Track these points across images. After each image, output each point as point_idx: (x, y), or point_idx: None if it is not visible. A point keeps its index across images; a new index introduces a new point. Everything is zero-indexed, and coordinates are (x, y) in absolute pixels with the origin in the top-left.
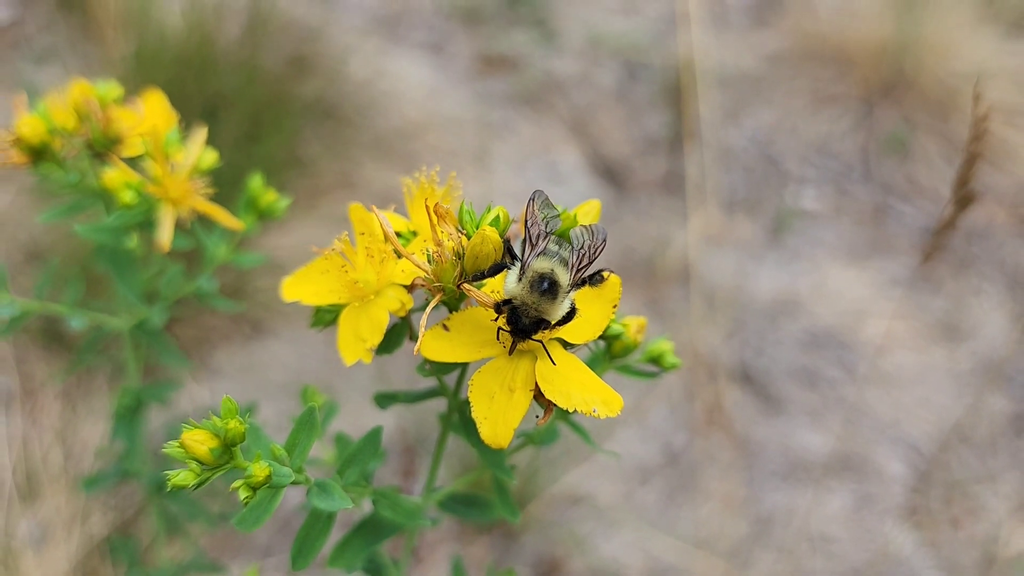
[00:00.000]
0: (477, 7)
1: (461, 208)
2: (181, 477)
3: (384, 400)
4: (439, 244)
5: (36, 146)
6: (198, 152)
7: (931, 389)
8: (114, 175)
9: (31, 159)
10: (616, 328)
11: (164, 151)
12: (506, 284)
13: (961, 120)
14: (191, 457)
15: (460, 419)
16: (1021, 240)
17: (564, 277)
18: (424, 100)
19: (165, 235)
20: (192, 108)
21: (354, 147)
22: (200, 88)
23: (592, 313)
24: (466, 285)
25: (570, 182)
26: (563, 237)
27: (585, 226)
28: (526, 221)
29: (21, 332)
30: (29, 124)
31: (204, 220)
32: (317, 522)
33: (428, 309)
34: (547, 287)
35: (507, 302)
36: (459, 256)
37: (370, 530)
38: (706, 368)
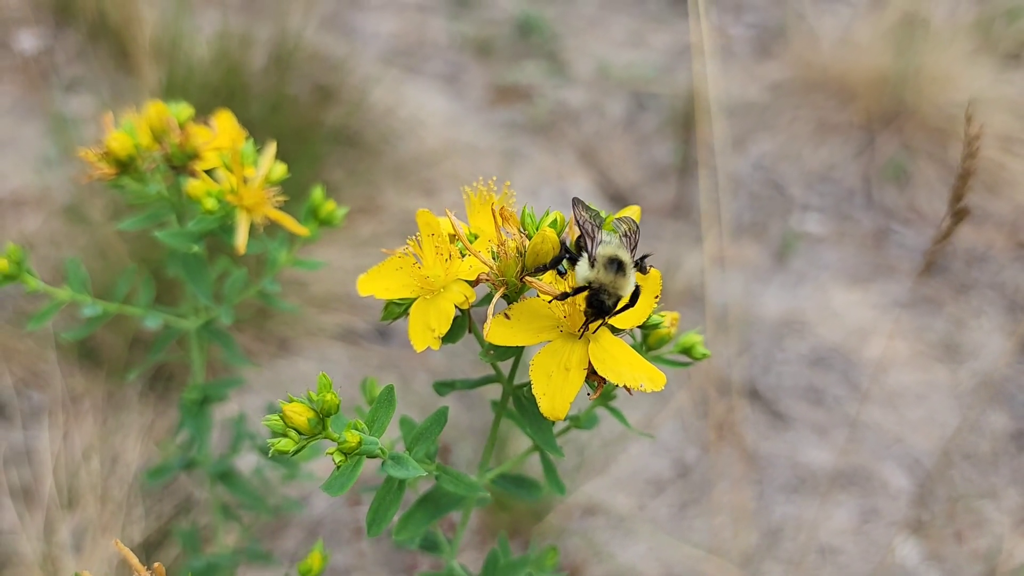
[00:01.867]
0: (489, 40)
1: (523, 211)
2: (283, 443)
3: (443, 388)
4: (502, 243)
5: (123, 159)
6: (269, 164)
7: (934, 406)
8: (197, 185)
9: (117, 171)
10: (656, 318)
11: (240, 163)
12: (579, 272)
13: (960, 148)
14: (291, 427)
15: (516, 403)
16: (1020, 264)
17: (627, 256)
18: (441, 129)
19: (241, 239)
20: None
21: (376, 173)
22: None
23: (640, 301)
24: (529, 278)
25: None
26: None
27: (619, 218)
28: (577, 220)
29: (58, 350)
30: (118, 139)
31: (267, 228)
32: (389, 492)
33: (494, 300)
34: (618, 267)
35: (583, 288)
36: (520, 254)
37: (432, 504)
38: (716, 386)
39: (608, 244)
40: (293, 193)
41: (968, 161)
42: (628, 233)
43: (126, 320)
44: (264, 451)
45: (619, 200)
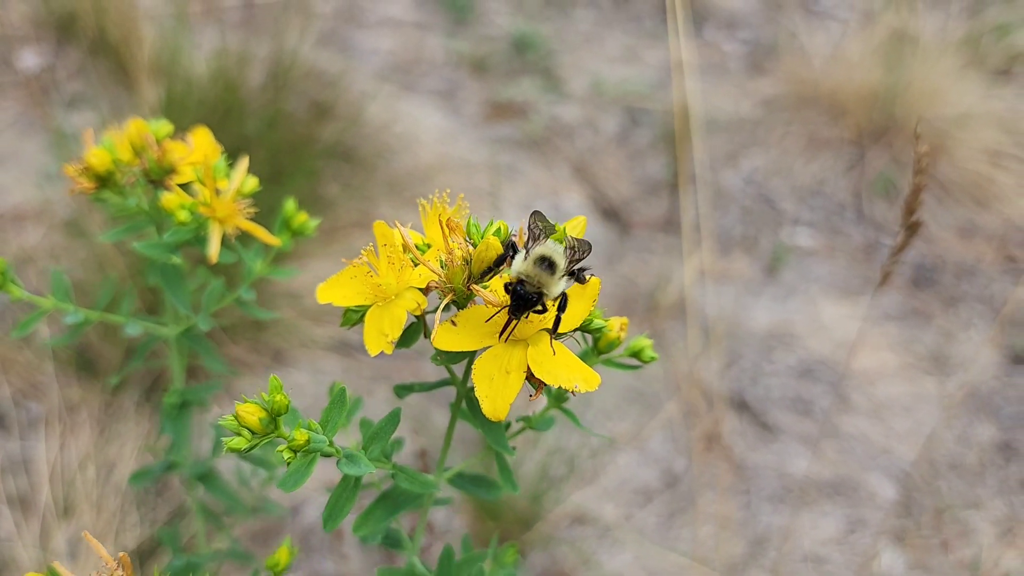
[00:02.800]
0: (485, 57)
1: (468, 222)
2: (235, 441)
3: (402, 391)
4: (450, 252)
5: (102, 174)
6: (241, 178)
7: (921, 418)
8: (171, 198)
9: (97, 185)
10: (599, 323)
11: (213, 177)
12: (512, 265)
13: (949, 162)
14: (243, 426)
15: (468, 404)
16: (1008, 277)
17: (561, 261)
18: (436, 144)
19: (214, 249)
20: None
21: (371, 188)
22: (225, 131)
23: (576, 307)
24: (474, 286)
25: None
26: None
27: (575, 237)
28: (529, 227)
29: (55, 360)
30: (97, 155)
31: (243, 239)
32: (346, 490)
33: (440, 307)
34: (547, 265)
35: (513, 283)
36: (467, 262)
37: (390, 502)
38: (704, 397)
39: (545, 246)
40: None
41: (918, 177)
42: (574, 246)
43: (122, 332)
44: (243, 455)
45: (612, 215)
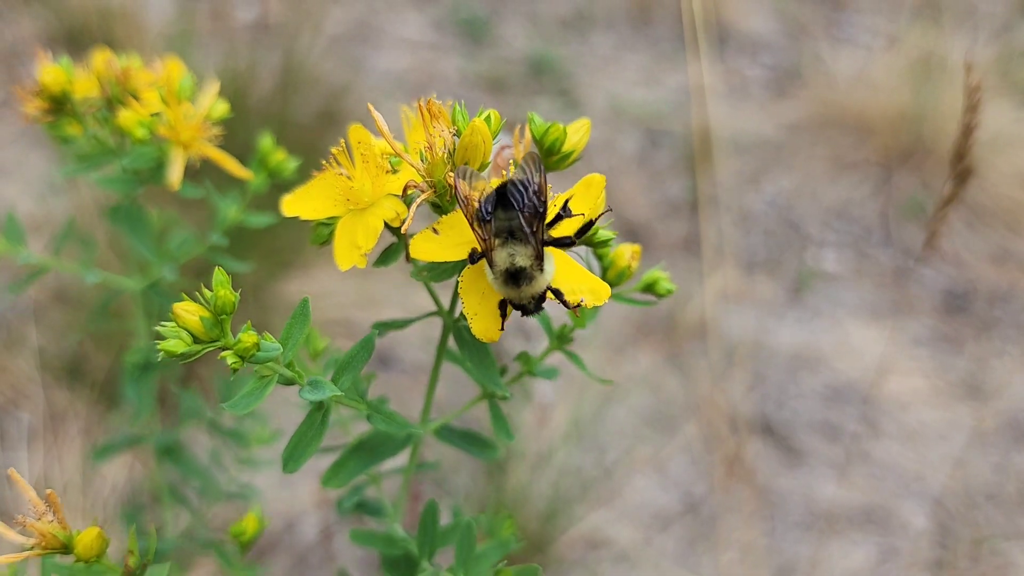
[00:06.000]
0: (502, 77)
1: (454, 108)
2: (172, 344)
3: (382, 327)
4: (431, 143)
5: (57, 95)
6: (210, 102)
7: (955, 445)
8: (128, 115)
9: (51, 109)
10: (605, 234)
11: (176, 96)
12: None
13: (980, 186)
14: (182, 327)
15: (456, 338)
16: None
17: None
18: None
19: (175, 174)
20: (226, 179)
21: None
22: (234, 138)
23: (579, 208)
24: (452, 175)
25: None
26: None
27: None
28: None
29: (46, 370)
30: (51, 72)
31: (220, 186)
32: (311, 427)
33: (416, 203)
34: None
35: (502, 193)
36: (451, 154)
37: (365, 451)
38: (726, 419)
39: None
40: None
41: (969, 115)
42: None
43: (114, 338)
44: (216, 427)
45: (631, 235)
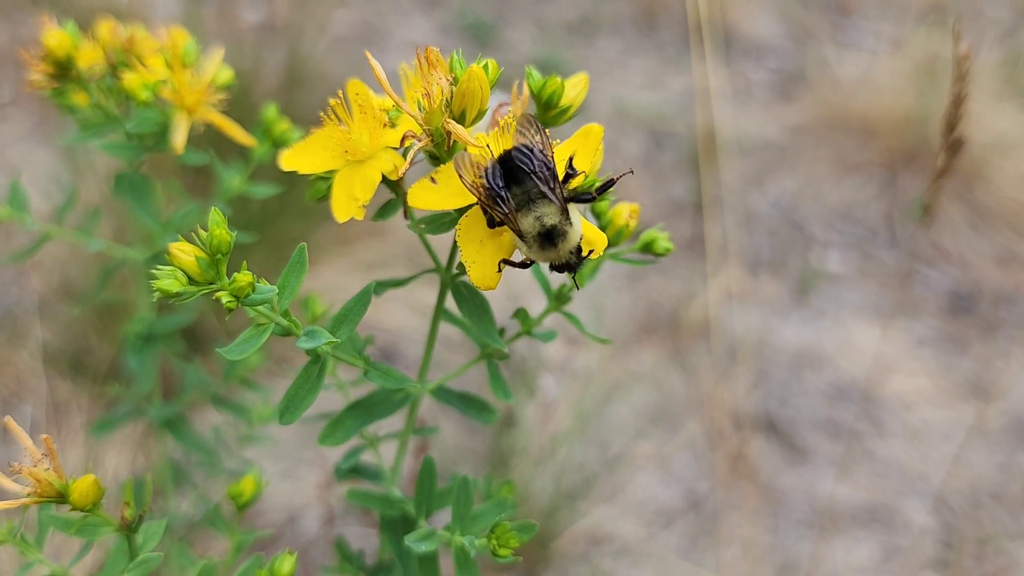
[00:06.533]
0: (508, 80)
1: (452, 56)
2: (167, 283)
3: (379, 287)
4: (428, 90)
5: (61, 59)
6: (215, 67)
7: (960, 445)
8: (132, 77)
9: (55, 74)
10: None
11: (180, 60)
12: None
13: (986, 189)
14: (177, 267)
15: (454, 295)
16: None
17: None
18: None
19: (179, 138)
20: (230, 152)
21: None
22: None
23: (577, 158)
24: (449, 121)
25: None
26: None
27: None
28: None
29: (48, 362)
30: (55, 36)
31: (222, 157)
32: (308, 380)
33: (414, 150)
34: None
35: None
36: (448, 103)
37: (363, 409)
38: (729, 417)
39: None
40: (300, 213)
41: (958, 85)
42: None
43: (117, 328)
44: (218, 401)
45: (635, 235)
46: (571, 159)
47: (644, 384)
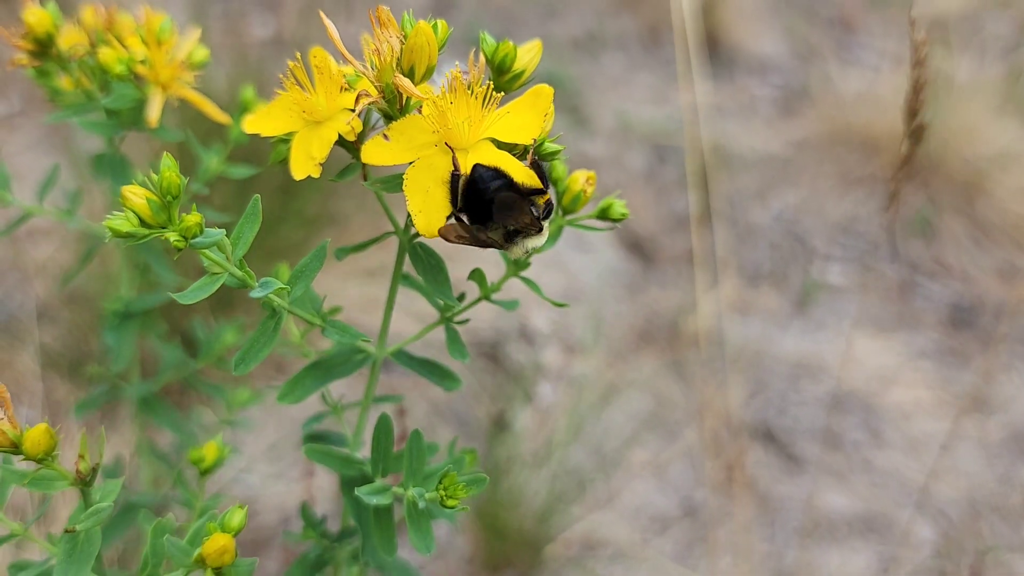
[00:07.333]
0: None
1: (404, 16)
2: (118, 223)
3: (341, 253)
4: (378, 48)
5: (41, 37)
6: (191, 46)
7: (960, 458)
8: (108, 52)
9: (36, 52)
10: (551, 147)
11: (155, 36)
12: None
13: (988, 203)
14: (129, 208)
15: (411, 256)
16: None
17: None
18: None
19: (153, 112)
20: (211, 137)
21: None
22: (247, 144)
23: (525, 119)
24: (397, 75)
25: (598, 252)
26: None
27: None
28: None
29: (47, 365)
30: (36, 14)
31: (204, 140)
32: (264, 333)
33: (365, 103)
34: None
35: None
36: (399, 61)
37: (322, 369)
38: (727, 425)
39: None
40: (300, 220)
41: (917, 70)
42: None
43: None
44: (196, 381)
45: (637, 248)
46: (535, 155)
47: (642, 392)
